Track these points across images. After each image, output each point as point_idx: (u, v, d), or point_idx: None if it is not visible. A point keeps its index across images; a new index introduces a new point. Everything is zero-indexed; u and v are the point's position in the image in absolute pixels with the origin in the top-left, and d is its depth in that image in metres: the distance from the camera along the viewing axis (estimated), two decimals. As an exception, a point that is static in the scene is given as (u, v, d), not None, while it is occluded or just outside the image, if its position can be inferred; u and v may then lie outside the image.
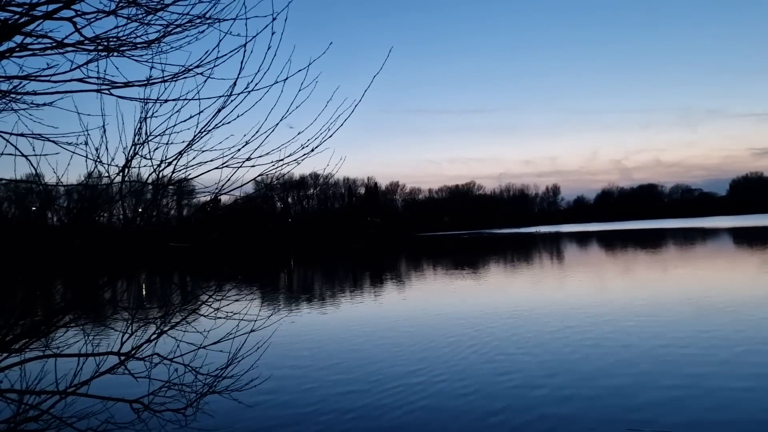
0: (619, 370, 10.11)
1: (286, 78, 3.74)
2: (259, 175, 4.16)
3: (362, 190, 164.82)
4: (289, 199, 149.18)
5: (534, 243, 68.99)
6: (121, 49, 4.01)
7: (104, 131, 4.08)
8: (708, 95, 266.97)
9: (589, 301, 18.55)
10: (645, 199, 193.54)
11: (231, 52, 3.71)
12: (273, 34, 3.60)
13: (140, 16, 3.82)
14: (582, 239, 71.82)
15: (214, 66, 3.80)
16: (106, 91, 3.82)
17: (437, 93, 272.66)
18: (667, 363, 10.37)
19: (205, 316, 4.99)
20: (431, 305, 20.41)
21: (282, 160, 4.00)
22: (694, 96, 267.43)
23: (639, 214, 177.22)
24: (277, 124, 3.92)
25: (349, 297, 24.94)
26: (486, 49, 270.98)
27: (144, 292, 26.87)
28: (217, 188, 4.29)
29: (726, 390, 8.65)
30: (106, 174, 4.21)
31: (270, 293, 27.97)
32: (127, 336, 4.53)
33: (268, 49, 3.63)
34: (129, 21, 3.68)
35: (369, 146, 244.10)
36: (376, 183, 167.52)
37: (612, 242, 61.00)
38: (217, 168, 4.01)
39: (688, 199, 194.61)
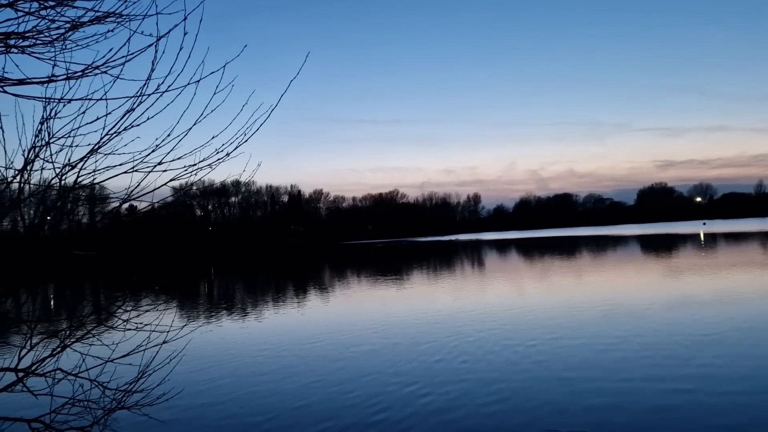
0: (533, 372, 10.43)
1: (200, 80, 3.63)
2: (171, 180, 4.00)
3: (286, 198, 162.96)
4: (210, 207, 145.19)
5: (455, 251, 70.43)
6: (21, 45, 3.77)
7: (1, 131, 3.82)
8: (615, 110, 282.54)
9: (506, 307, 19.08)
10: (560, 207, 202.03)
11: (141, 50, 3.56)
12: (186, 34, 3.49)
13: (42, 11, 3.61)
14: (501, 247, 73.99)
15: (124, 65, 3.63)
16: (0, 89, 3.57)
17: (361, 103, 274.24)
18: (581, 365, 10.79)
19: (113, 327, 4.74)
20: (352, 314, 20.40)
21: (196, 164, 3.87)
22: (602, 111, 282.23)
23: (555, 223, 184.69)
24: (191, 128, 3.79)
25: (271, 307, 24.53)
26: (408, 61, 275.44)
27: (53, 305, 25.33)
28: (126, 194, 4.10)
29: (641, 391, 9.08)
30: (2, 177, 3.92)
31: (187, 303, 27.07)
32: (25, 351, 4.24)
33: (181, 49, 3.51)
34: (29, 15, 3.46)
35: (292, 154, 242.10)
36: (299, 191, 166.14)
37: (530, 249, 63.19)
38: (125, 172, 3.83)
39: (600, 208, 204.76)
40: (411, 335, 14.84)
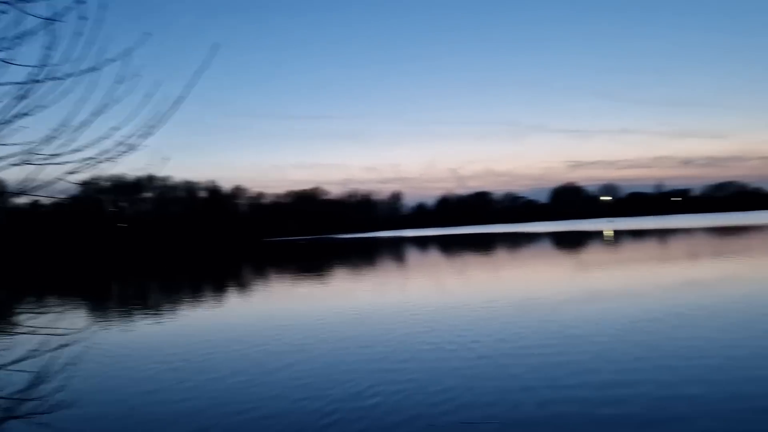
0: (456, 366, 10.62)
1: (98, 69, 3.41)
2: (70, 174, 3.73)
3: (205, 194, 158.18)
4: (121, 202, 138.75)
5: (377, 247, 70.86)
6: None
7: None
8: (532, 111, 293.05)
9: (424, 302, 19.36)
10: (479, 205, 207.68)
11: (30, 32, 3.29)
12: (84, 19, 3.26)
13: None
14: (423, 243, 75.13)
15: (13, 49, 3.35)
16: None
17: (282, 98, 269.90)
18: (498, 359, 11.09)
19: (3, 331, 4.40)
20: (272, 312, 20.09)
21: (96, 157, 3.64)
22: (520, 111, 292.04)
23: (474, 220, 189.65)
24: (92, 119, 3.56)
25: (186, 306, 23.74)
26: (330, 57, 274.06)
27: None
28: (20, 188, 3.80)
29: (559, 385, 9.42)
30: None
31: (94, 304, 25.77)
32: None
33: (79, 35, 3.29)
34: None
35: (211, 149, 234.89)
36: (218, 187, 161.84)
37: (450, 246, 64.53)
38: (16, 165, 3.55)
39: (516, 206, 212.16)
40: (327, 333, 14.76)
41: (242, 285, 31.99)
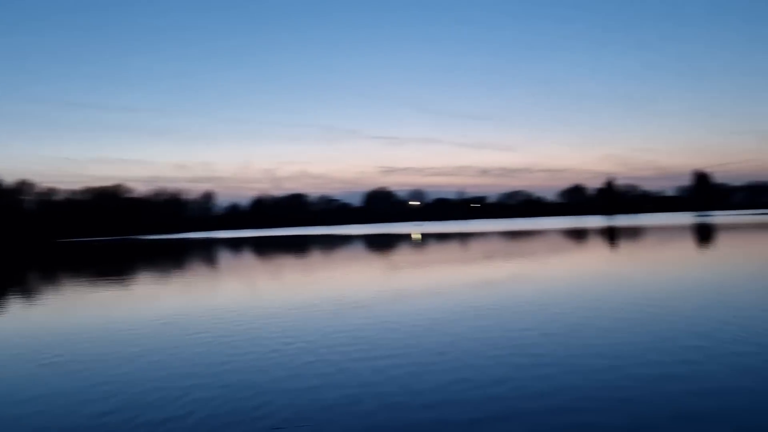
0: (266, 372, 10.34)
1: None
2: None
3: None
4: None
5: (186, 249, 67.44)
6: None
7: None
8: (347, 117, 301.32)
9: (237, 307, 18.75)
10: (294, 207, 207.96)
11: None
12: None
13: None
14: (236, 245, 73.12)
15: None
16: None
17: (76, 85, 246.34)
18: (312, 362, 11.02)
19: None
20: (61, 322, 18.01)
21: None
22: (336, 116, 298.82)
23: (289, 222, 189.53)
24: None
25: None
26: (137, 46, 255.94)
27: None
28: None
29: (367, 382, 9.55)
30: None
31: None
32: None
33: None
34: None
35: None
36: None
37: (264, 248, 63.61)
38: None
39: (330, 209, 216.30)
40: (125, 343, 13.60)
41: (23, 292, 28.30)
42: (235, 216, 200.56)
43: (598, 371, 9.36)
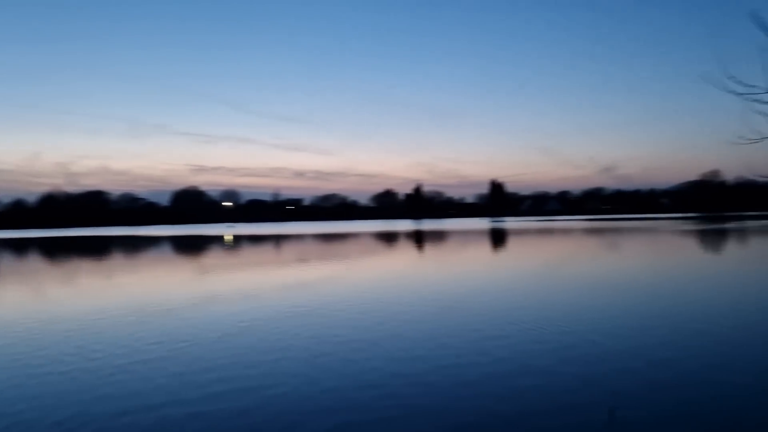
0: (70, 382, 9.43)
1: None
2: None
3: None
4: None
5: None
6: None
7: None
8: (155, 110, 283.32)
9: (20, 318, 16.78)
10: (93, 205, 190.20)
11: None
12: None
13: None
14: (19, 247, 64.95)
15: None
16: None
17: None
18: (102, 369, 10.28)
19: None
20: None
21: None
22: (142, 109, 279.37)
23: (87, 221, 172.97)
24: None
25: None
26: None
27: None
28: None
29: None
30: None
31: None
32: None
33: None
34: None
35: None
36: None
37: (57, 250, 57.31)
38: None
39: (135, 208, 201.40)
40: None
41: None
42: (20, 214, 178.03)
43: (400, 360, 10.03)
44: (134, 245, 61.31)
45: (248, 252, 47.98)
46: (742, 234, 52.60)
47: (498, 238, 60.11)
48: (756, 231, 56.91)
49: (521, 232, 70.39)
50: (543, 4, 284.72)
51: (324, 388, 8.97)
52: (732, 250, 36.13)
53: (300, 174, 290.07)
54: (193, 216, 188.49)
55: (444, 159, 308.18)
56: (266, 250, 49.53)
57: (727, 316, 13.63)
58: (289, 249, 50.65)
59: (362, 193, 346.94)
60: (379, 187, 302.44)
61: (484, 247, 46.64)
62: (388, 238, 66.53)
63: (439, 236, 66.47)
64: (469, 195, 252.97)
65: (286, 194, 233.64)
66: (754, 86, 6.54)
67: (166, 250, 53.02)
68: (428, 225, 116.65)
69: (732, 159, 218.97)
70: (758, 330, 12.19)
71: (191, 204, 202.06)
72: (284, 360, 10.68)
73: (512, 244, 49.24)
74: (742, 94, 6.59)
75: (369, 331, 13.17)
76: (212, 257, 41.99)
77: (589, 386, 8.67)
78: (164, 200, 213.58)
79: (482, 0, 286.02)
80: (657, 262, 29.05)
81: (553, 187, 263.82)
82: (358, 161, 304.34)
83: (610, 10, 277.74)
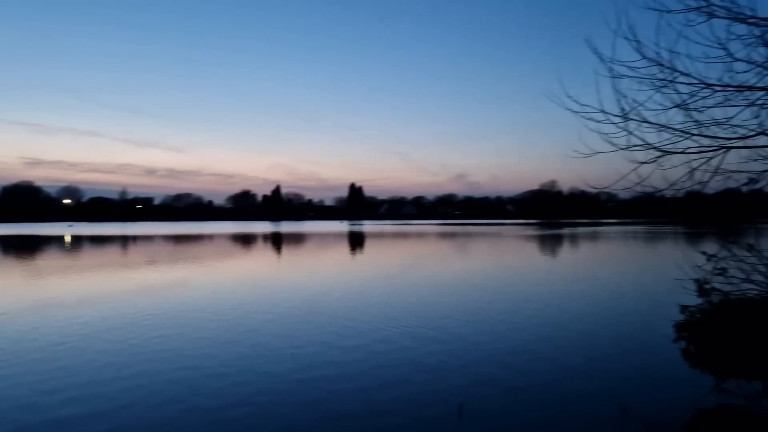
0: None
1: None
2: None
3: None
4: None
5: None
6: None
7: None
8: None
9: None
10: None
11: None
12: None
13: None
14: None
15: None
16: None
17: None
18: None
19: None
20: None
21: None
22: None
23: None
24: None
25: None
26: None
27: None
28: None
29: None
30: None
31: None
32: None
33: None
34: None
35: None
36: None
37: None
38: None
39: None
40: None
41: None
42: None
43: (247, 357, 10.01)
44: (-48, 246, 54.36)
45: (92, 254, 44.56)
46: (573, 238, 58.32)
47: (356, 240, 61.22)
48: (585, 236, 63.38)
49: (379, 235, 72.30)
50: (404, 15, 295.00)
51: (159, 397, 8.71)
52: (564, 251, 39.98)
53: (150, 171, 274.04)
54: (26, 213, 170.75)
55: (303, 161, 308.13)
56: (113, 252, 46.27)
57: (547, 305, 15.16)
58: (138, 251, 47.79)
59: (218, 193, 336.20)
60: (236, 188, 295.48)
61: (342, 249, 47.31)
62: (245, 240, 65.11)
63: (297, 238, 66.28)
64: (328, 198, 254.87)
65: (135, 192, 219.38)
66: (587, 105, 7.39)
67: (-8, 252, 47.64)
68: (287, 227, 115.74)
69: (567, 171, 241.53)
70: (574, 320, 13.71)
71: (24, 201, 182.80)
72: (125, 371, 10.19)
73: (370, 246, 50.44)
74: (577, 112, 7.42)
75: (206, 338, 12.94)
76: (48, 259, 38.44)
77: (436, 384, 9.25)
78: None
79: (343, 4, 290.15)
80: (502, 263, 31.37)
81: (409, 192, 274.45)
82: (215, 160, 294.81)
83: (463, 30, 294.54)
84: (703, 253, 8.15)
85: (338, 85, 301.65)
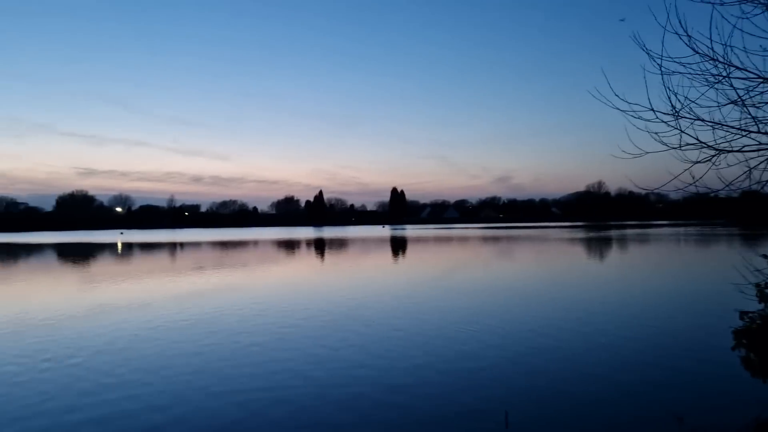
0: None
1: None
2: None
3: None
4: None
5: None
6: None
7: None
8: (37, 109, 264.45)
9: None
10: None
11: None
12: None
13: None
14: None
15: None
16: None
17: None
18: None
19: None
20: None
21: None
22: (22, 107, 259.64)
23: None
24: None
25: None
26: None
27: None
28: None
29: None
30: None
31: None
32: None
33: None
34: None
35: None
36: None
37: None
38: None
39: (14, 213, 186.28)
40: None
41: None
42: None
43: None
44: (12, 253, 56.75)
45: (141, 260, 45.83)
46: (623, 241, 56.86)
47: (399, 245, 61.16)
48: (636, 238, 61.71)
49: (422, 240, 72.05)
50: (442, 18, 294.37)
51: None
52: (613, 255, 39.01)
53: (197, 179, 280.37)
54: (80, 222, 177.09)
55: (345, 167, 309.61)
56: (161, 258, 47.49)
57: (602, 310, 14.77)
58: (185, 257, 48.90)
59: (262, 199, 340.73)
60: (279, 194, 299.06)
61: (385, 254, 47.33)
62: (289, 245, 65.89)
63: (340, 244, 66.67)
64: (370, 203, 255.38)
65: (182, 200, 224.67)
66: (636, 104, 7.13)
67: (49, 259, 49.51)
68: (330, 232, 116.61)
69: (615, 171, 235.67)
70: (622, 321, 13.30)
71: (78, 209, 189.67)
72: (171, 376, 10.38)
73: (413, 251, 50.28)
74: (625, 111, 7.17)
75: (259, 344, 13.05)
76: (101, 266, 39.71)
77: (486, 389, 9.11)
78: (48, 205, 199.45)
79: (379, 10, 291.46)
80: (551, 267, 30.81)
81: (451, 196, 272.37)
82: (258, 167, 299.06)
83: (504, 30, 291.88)
84: (764, 256, 7.78)
85: (375, 91, 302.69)
